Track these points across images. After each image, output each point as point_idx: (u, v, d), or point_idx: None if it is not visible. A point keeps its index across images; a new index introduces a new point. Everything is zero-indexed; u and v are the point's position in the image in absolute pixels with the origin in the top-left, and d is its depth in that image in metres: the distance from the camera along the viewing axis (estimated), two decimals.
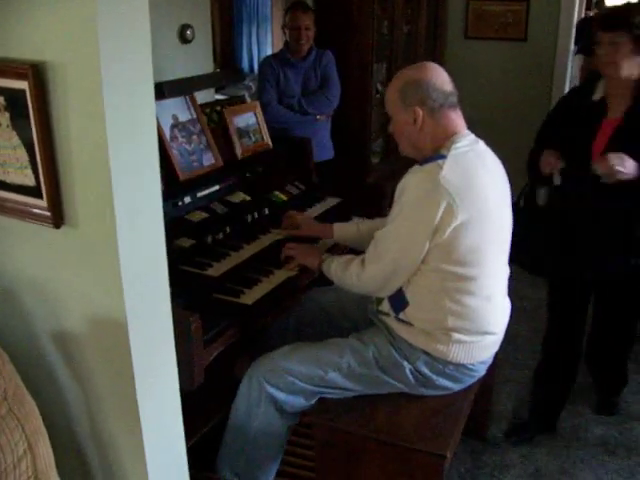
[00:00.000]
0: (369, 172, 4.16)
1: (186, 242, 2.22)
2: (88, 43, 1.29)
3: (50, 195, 1.47)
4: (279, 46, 3.86)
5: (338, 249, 2.60)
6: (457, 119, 2.04)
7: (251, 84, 7.55)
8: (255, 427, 2.16)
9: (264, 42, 9.31)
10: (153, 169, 1.49)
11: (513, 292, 2.25)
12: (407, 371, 2.06)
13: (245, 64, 9.47)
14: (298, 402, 2.15)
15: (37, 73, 1.36)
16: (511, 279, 2.20)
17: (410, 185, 1.95)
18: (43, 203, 1.49)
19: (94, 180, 1.40)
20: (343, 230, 2.51)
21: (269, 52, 8.46)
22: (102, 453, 1.71)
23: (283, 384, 2.12)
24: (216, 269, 2.20)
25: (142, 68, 1.41)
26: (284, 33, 3.70)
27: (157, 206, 1.53)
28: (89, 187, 1.42)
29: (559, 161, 2.37)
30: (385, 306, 2.11)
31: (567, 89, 4.72)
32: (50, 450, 1.54)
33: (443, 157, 1.93)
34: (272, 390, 2.12)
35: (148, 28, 1.40)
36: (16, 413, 1.44)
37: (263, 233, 2.52)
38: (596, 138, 2.32)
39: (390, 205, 2.05)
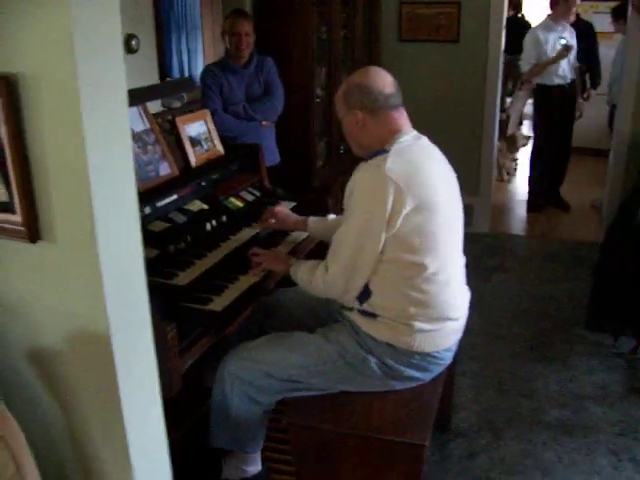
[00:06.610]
0: (315, 175, 4.20)
1: (151, 252, 2.20)
2: (64, 55, 1.27)
3: (24, 210, 1.44)
4: (210, 54, 3.84)
5: (301, 249, 2.65)
6: (400, 118, 2.13)
7: (183, 94, 7.46)
8: (233, 411, 2.19)
9: (194, 50, 9.21)
10: (130, 180, 1.48)
11: None
12: (373, 365, 2.10)
13: (176, 73, 9.34)
14: (269, 396, 2.19)
15: (8, 85, 1.34)
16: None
17: (358, 181, 2.04)
18: (17, 218, 1.46)
19: (73, 194, 1.39)
20: (316, 224, 2.60)
21: (200, 61, 8.38)
22: (86, 466, 1.69)
23: (253, 378, 2.15)
24: (182, 278, 2.19)
25: (116, 78, 1.40)
26: (224, 40, 3.70)
27: (135, 217, 1.53)
28: (68, 201, 1.40)
29: None
30: None
31: (500, 88, 4.89)
32: (35, 468, 1.51)
33: (386, 151, 2.03)
34: (243, 383, 2.16)
35: (120, 37, 1.40)
36: (2, 434, 1.41)
37: (223, 240, 2.52)
38: None
39: (339, 204, 2.12)
